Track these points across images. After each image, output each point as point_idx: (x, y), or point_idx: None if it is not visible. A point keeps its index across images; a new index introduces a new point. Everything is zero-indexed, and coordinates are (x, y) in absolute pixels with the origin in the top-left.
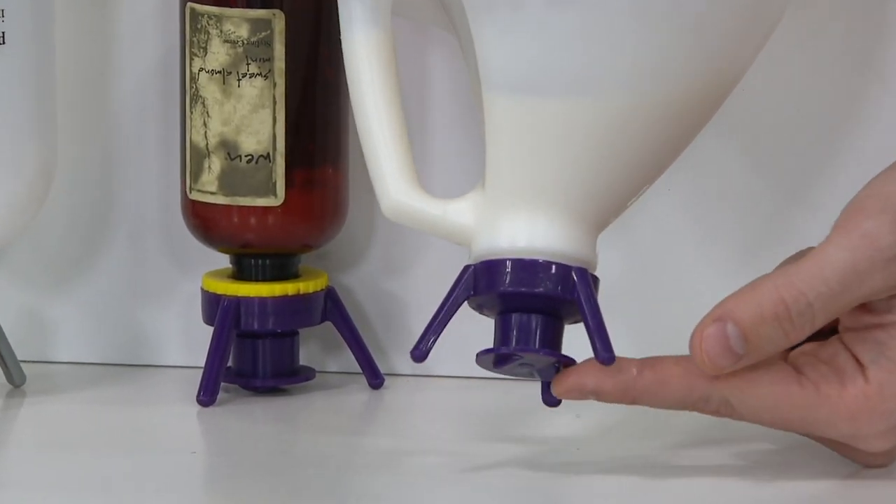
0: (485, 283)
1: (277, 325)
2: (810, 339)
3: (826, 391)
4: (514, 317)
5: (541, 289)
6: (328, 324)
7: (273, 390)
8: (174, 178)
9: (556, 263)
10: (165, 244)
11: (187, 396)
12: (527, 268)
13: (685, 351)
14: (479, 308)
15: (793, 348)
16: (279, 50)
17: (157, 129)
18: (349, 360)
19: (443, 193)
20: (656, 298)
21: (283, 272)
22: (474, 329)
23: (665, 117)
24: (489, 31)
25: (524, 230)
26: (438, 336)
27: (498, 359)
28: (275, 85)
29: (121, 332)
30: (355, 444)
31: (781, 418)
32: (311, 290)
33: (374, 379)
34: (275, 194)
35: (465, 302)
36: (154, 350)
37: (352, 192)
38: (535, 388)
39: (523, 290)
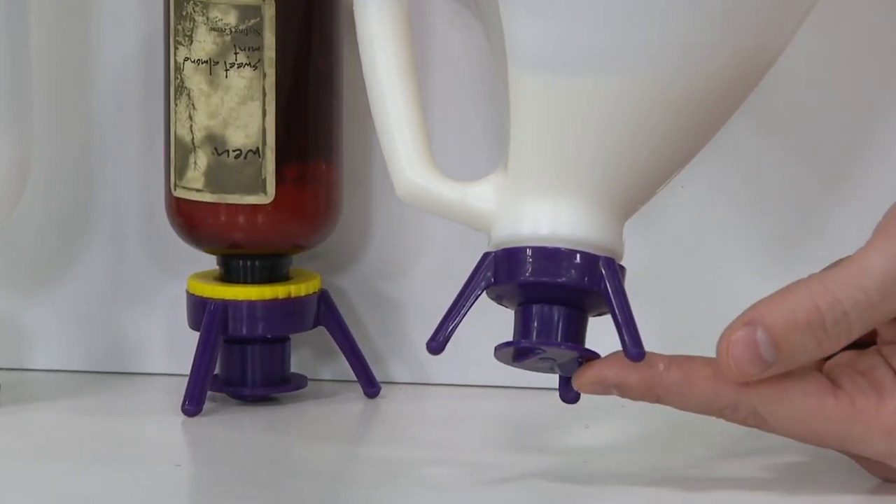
0: (505, 271)
1: (267, 331)
2: (848, 348)
3: (863, 405)
4: (536, 308)
5: (565, 279)
6: (321, 329)
7: (263, 399)
8: (157, 174)
9: (582, 252)
10: (148, 245)
11: (171, 406)
12: (550, 257)
13: (713, 347)
14: (499, 298)
15: (828, 358)
16: (269, 38)
17: (139, 122)
18: (343, 368)
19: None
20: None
21: (274, 274)
22: (474, 335)
23: (696, 98)
24: (518, 5)
25: (548, 216)
26: (457, 326)
27: (518, 353)
28: (265, 76)
29: (101, 337)
30: (350, 456)
31: (813, 432)
32: (303, 294)
33: (370, 387)
34: (264, 191)
35: (483, 293)
36: (136, 357)
37: (346, 188)
38: (540, 396)
39: (546, 280)
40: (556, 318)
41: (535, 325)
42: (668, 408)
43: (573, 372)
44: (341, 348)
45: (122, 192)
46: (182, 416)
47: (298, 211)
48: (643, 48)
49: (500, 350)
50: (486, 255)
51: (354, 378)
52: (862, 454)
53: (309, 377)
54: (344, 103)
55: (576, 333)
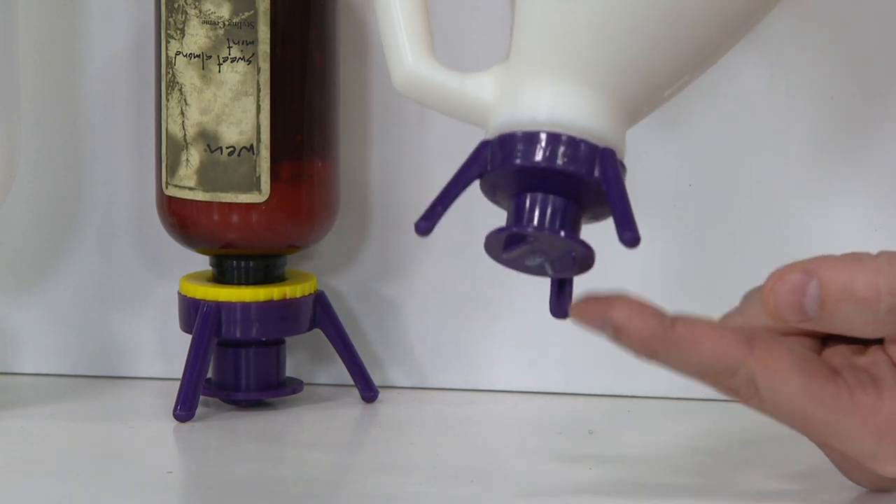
0: (499, 157)
1: (262, 333)
2: (851, 341)
3: (861, 399)
4: (531, 195)
5: (559, 164)
6: (317, 332)
7: (257, 404)
8: (149, 172)
9: (579, 140)
10: (139, 245)
11: (163, 411)
12: (545, 141)
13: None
14: (493, 191)
15: (825, 345)
16: (264, 32)
17: (129, 118)
18: (340, 372)
19: None
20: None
21: (268, 275)
22: (475, 340)
23: None
24: None
25: (548, 102)
26: (446, 209)
27: (510, 241)
28: (259, 70)
29: (90, 340)
30: (347, 463)
31: (804, 414)
32: (298, 295)
33: (368, 391)
34: (259, 189)
35: (477, 182)
36: (127, 360)
37: (343, 187)
38: (543, 401)
39: (539, 164)
40: (552, 206)
41: (530, 211)
42: (672, 412)
43: (564, 271)
44: (338, 351)
45: (112, 191)
46: (174, 422)
47: (294, 210)
48: None
49: (491, 239)
50: (482, 143)
51: (351, 382)
52: (846, 450)
53: (305, 381)
54: (341, 99)
55: (572, 225)
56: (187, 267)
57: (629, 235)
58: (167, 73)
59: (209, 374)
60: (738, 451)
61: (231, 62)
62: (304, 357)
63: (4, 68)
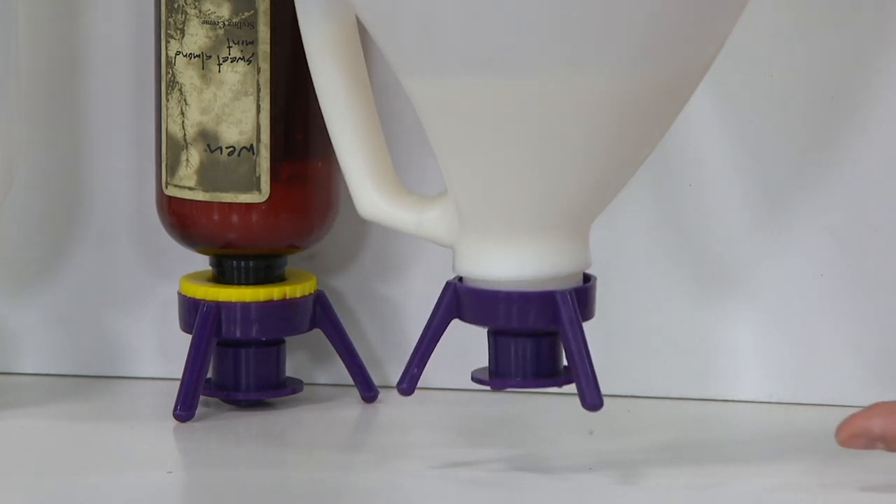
0: (466, 311)
1: (262, 333)
2: None
3: None
4: (502, 344)
5: (517, 324)
6: (317, 332)
7: (257, 404)
8: (149, 172)
9: (532, 293)
10: (139, 245)
11: (163, 411)
12: (500, 301)
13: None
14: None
15: None
16: (264, 32)
17: (129, 118)
18: (340, 372)
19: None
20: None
21: (268, 275)
22: (474, 340)
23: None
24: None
25: (494, 256)
26: (423, 369)
27: (493, 386)
28: (259, 70)
29: (90, 340)
30: (347, 463)
31: None
32: (298, 295)
33: (368, 391)
34: (259, 190)
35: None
36: (127, 360)
37: (343, 187)
38: (543, 401)
39: (503, 325)
40: (523, 355)
41: (503, 361)
42: (671, 412)
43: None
44: (338, 351)
45: (111, 191)
46: (174, 422)
47: (294, 210)
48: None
49: (475, 379)
50: (447, 285)
51: (351, 382)
52: None
53: (304, 381)
54: None
55: (546, 366)
56: (187, 267)
57: (593, 404)
58: (167, 72)
59: (209, 374)
60: (738, 451)
61: (231, 62)
62: (303, 357)
63: (4, 68)
